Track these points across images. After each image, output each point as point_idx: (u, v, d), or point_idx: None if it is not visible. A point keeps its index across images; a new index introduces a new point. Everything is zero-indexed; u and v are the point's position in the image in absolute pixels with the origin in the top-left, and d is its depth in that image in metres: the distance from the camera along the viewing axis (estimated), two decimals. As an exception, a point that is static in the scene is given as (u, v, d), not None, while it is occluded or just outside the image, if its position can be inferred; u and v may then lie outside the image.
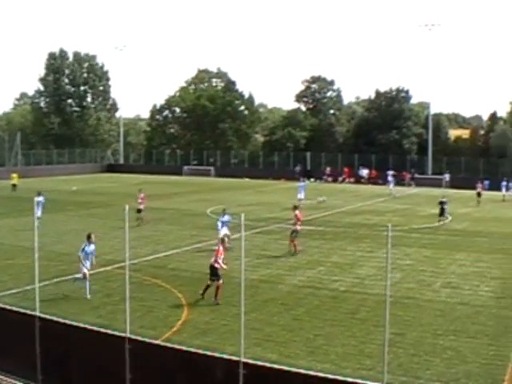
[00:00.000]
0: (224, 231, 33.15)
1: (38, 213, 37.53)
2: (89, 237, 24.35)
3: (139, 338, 15.18)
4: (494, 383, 16.34)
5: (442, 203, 46.55)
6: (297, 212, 34.48)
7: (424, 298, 24.69)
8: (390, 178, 79.34)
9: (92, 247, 24.38)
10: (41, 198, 40.35)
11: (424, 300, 24.31)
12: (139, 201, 42.74)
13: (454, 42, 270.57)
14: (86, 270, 23.82)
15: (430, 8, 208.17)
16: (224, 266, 23.44)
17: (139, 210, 41.78)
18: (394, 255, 29.93)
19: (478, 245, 37.83)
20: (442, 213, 46.61)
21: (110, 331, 15.78)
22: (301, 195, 57.84)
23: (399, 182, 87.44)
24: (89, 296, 23.49)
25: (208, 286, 23.52)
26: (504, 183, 71.48)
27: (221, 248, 23.81)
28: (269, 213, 51.27)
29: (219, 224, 33.89)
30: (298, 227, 34.06)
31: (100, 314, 21.76)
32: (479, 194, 64.02)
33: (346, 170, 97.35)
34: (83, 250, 24.13)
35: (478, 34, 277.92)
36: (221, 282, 23.24)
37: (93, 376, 15.35)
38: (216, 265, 23.39)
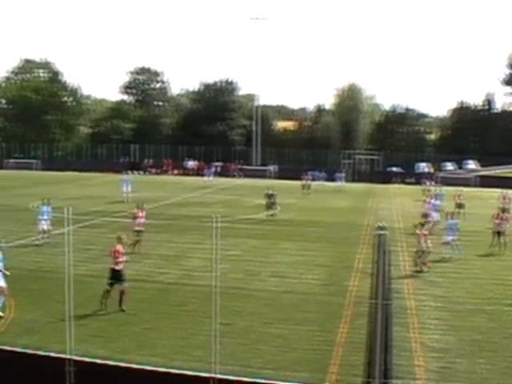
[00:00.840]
0: (43, 224, 32.29)
1: None
2: None
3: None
4: (322, 368, 16.60)
5: (270, 196, 46.90)
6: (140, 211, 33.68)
7: (252, 287, 24.85)
8: (210, 170, 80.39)
9: None
10: None
11: (252, 290, 24.45)
12: None
13: (280, 35, 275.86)
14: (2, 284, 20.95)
15: (257, 1, 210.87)
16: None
17: None
18: (221, 246, 29.76)
19: (305, 234, 38.58)
20: (270, 205, 46.78)
21: None
22: (125, 188, 56.45)
23: (226, 173, 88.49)
24: (2, 314, 20.83)
25: (108, 292, 21.79)
26: (337, 174, 74.14)
27: (120, 247, 22.49)
28: (95, 206, 50.22)
29: (41, 216, 32.96)
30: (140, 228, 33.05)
31: None
32: (306, 186, 65.57)
33: (168, 161, 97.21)
34: None
35: (304, 28, 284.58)
36: (126, 285, 21.75)
37: None
38: (118, 267, 21.74)
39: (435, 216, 39.59)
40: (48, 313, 20.96)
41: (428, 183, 66.77)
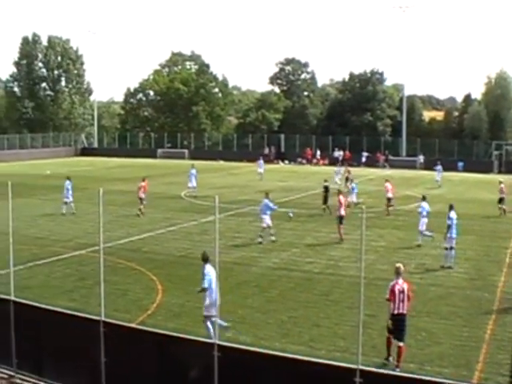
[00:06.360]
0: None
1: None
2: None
3: (114, 321, 15.04)
4: (468, 364, 16.46)
5: (326, 188, 43.72)
6: (340, 197, 33.91)
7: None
8: (260, 161, 70.75)
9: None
10: None
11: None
12: (142, 189, 41.34)
13: (427, 23, 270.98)
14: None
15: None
16: None
17: (141, 199, 40.69)
18: (367, 237, 29.92)
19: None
20: (325, 200, 43.25)
21: (84, 314, 15.60)
22: (192, 184, 52.24)
23: (374, 163, 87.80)
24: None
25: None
26: (437, 167, 66.86)
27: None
28: (242, 195, 51.22)
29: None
30: (343, 212, 33.29)
31: (73, 297, 21.70)
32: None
33: (308, 151, 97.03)
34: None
35: (452, 15, 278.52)
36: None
37: (67, 359, 15.25)
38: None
39: None
40: (195, 298, 21.52)
41: None
